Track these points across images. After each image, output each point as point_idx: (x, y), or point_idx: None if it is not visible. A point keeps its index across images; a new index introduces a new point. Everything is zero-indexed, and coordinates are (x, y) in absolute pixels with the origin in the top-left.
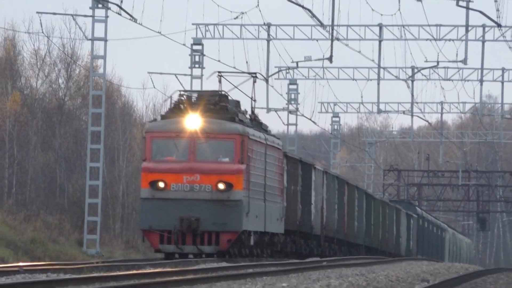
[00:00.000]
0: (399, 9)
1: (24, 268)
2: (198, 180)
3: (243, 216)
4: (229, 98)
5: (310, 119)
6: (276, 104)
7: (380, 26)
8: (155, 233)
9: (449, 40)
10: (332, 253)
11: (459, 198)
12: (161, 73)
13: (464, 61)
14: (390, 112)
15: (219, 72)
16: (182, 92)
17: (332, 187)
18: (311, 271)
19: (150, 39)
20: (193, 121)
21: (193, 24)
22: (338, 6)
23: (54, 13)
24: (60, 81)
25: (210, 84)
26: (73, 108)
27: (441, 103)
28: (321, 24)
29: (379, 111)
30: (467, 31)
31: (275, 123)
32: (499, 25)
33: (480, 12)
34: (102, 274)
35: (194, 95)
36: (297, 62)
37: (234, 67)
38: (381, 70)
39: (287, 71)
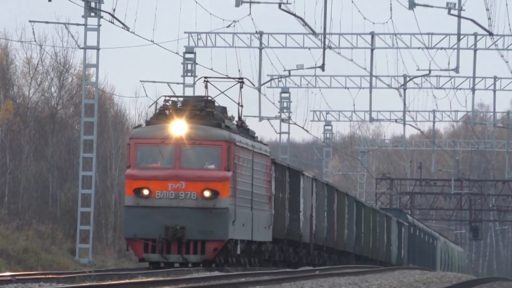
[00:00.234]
0: (391, 18)
1: (17, 277)
2: (184, 188)
3: (230, 224)
4: (216, 104)
5: (303, 128)
6: (269, 113)
7: (372, 34)
8: (140, 241)
9: (441, 48)
10: (322, 262)
11: (452, 207)
12: (153, 82)
13: (456, 70)
14: (382, 121)
15: (205, 77)
16: (167, 98)
17: (322, 194)
18: (303, 280)
19: (143, 47)
20: (179, 127)
21: (185, 32)
22: (330, 14)
23: (47, 22)
24: (52, 89)
25: (202, 92)
26: (66, 117)
27: (433, 111)
28: (313, 33)
29: (371, 120)
30: (459, 39)
31: (267, 132)
32: (491, 34)
33: (472, 20)
34: (94, 283)
35: (180, 101)
36: (289, 71)
37: (227, 75)
38: (373, 78)
39: (279, 79)
